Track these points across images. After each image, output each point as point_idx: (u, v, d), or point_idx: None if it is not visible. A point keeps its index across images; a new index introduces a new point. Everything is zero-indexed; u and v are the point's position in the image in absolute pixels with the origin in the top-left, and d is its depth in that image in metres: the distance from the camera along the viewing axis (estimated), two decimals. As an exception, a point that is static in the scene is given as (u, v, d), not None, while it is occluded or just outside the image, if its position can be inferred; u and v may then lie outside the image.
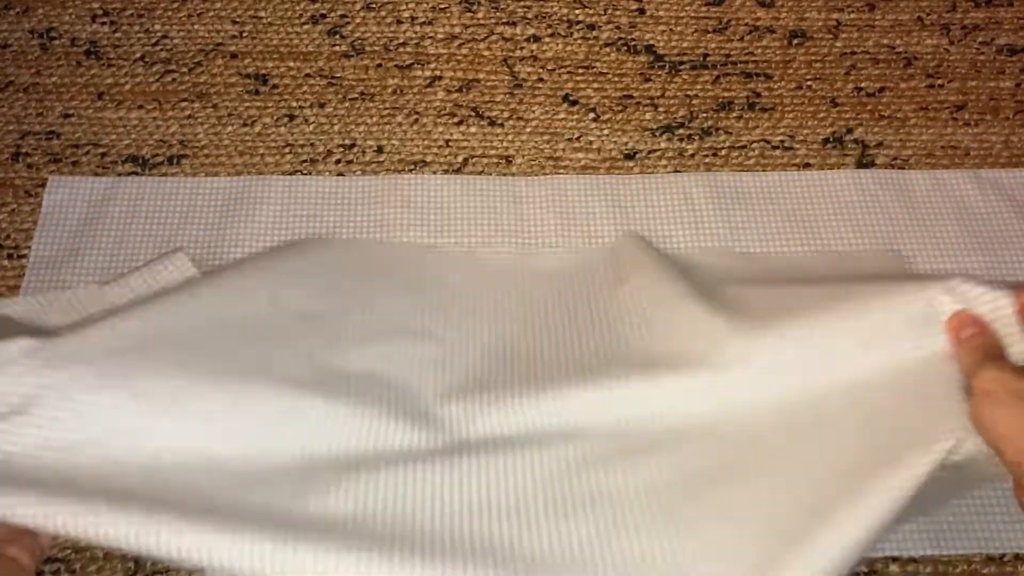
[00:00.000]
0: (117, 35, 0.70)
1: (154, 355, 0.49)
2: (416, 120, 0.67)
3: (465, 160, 0.65)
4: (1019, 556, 0.53)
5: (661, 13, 0.72)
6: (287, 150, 0.65)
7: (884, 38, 0.71)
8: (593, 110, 0.67)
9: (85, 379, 0.46)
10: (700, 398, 0.49)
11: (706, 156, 0.66)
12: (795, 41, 0.71)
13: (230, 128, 0.66)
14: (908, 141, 0.67)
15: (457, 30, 0.71)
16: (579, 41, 0.70)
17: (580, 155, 0.66)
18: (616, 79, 0.69)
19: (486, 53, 0.70)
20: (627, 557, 0.43)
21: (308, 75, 0.68)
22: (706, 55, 0.70)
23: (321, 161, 0.65)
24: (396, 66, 0.69)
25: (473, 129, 0.66)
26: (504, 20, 0.71)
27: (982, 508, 0.54)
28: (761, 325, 0.50)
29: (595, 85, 0.68)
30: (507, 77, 0.69)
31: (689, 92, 0.68)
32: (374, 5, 0.72)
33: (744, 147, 0.66)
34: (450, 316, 0.57)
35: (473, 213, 0.63)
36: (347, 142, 0.66)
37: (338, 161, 0.65)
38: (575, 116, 0.67)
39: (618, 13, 0.72)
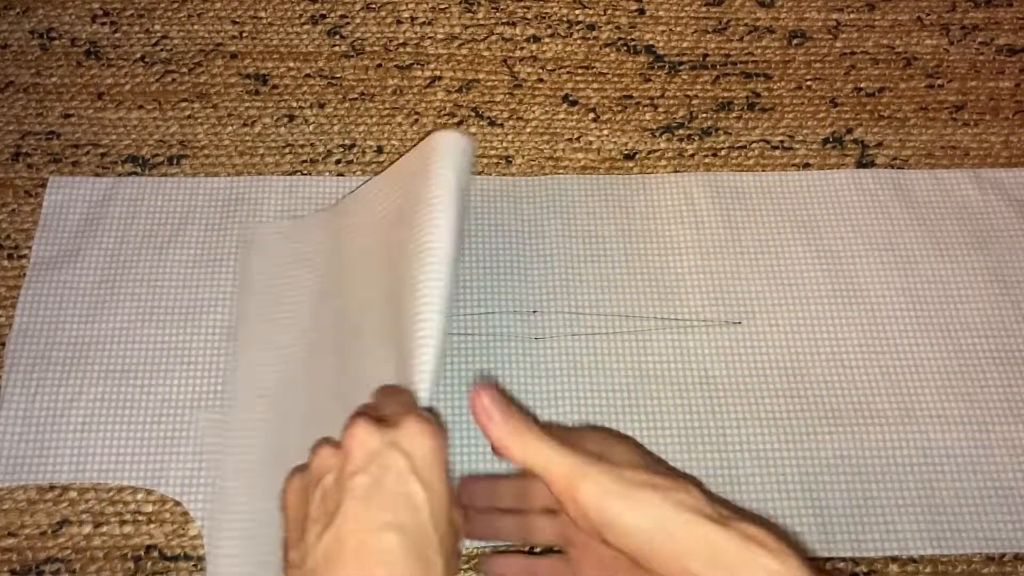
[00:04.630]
0: (117, 35, 0.70)
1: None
2: (416, 120, 0.67)
3: (465, 160, 0.65)
4: (1019, 556, 0.53)
5: (661, 13, 0.72)
6: (287, 150, 0.65)
7: (884, 38, 0.71)
8: (593, 110, 0.67)
9: None
10: None
11: (706, 156, 0.66)
12: (795, 41, 0.71)
13: (230, 128, 0.66)
14: (908, 141, 0.67)
15: (457, 30, 0.71)
16: (579, 41, 0.70)
17: (580, 155, 0.66)
18: (616, 79, 0.69)
19: (486, 53, 0.70)
20: None
21: (308, 75, 0.68)
22: (706, 55, 0.70)
23: (321, 161, 0.65)
24: (396, 66, 0.69)
25: (473, 129, 0.67)
26: (504, 20, 0.71)
27: (982, 508, 0.54)
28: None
29: (595, 85, 0.68)
30: (507, 77, 0.69)
31: (689, 92, 0.68)
32: (374, 5, 0.72)
33: (744, 147, 0.66)
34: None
35: (473, 213, 0.63)
36: (347, 142, 0.66)
37: (338, 161, 0.65)
38: (575, 116, 0.67)
39: (618, 13, 0.72)
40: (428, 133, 0.66)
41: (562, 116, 0.67)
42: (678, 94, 0.68)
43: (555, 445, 0.39)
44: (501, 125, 0.67)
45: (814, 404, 0.57)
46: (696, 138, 0.66)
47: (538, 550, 0.51)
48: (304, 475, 0.39)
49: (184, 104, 0.67)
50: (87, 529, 0.53)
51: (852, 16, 0.72)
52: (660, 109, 0.68)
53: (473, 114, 0.67)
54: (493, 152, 0.66)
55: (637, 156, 0.66)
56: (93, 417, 0.55)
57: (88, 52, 0.69)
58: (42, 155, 0.65)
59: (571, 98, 0.68)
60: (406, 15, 0.71)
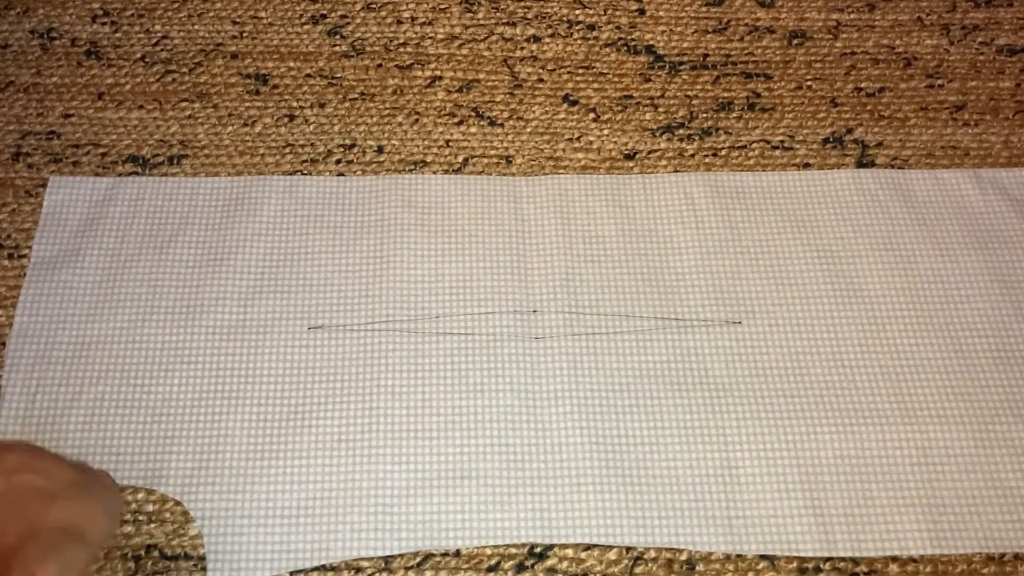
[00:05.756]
0: (117, 35, 0.70)
1: None
2: (416, 120, 0.67)
3: (465, 160, 0.65)
4: (1019, 556, 0.53)
5: (661, 13, 0.72)
6: (287, 150, 0.65)
7: (884, 38, 0.71)
8: (593, 110, 0.67)
9: None
10: None
11: (706, 156, 0.66)
12: (795, 41, 0.71)
13: (230, 128, 0.66)
14: (908, 141, 0.67)
15: (457, 30, 0.71)
16: (579, 41, 0.70)
17: (580, 155, 0.66)
18: (616, 79, 0.69)
19: (486, 53, 0.70)
20: None
21: (308, 75, 0.68)
22: (706, 55, 0.70)
23: (321, 161, 0.65)
24: (396, 66, 0.69)
25: (473, 129, 0.67)
26: (504, 20, 0.71)
27: (982, 508, 0.54)
28: None
29: (595, 85, 0.68)
30: (507, 77, 0.69)
31: (689, 92, 0.68)
32: (374, 5, 0.72)
33: (744, 147, 0.66)
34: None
35: (473, 213, 0.63)
36: (347, 142, 0.66)
37: (338, 161, 0.65)
38: (575, 116, 0.67)
39: (618, 13, 0.72)
40: (428, 133, 0.66)
41: (562, 116, 0.67)
42: (678, 94, 0.68)
43: None
44: (501, 125, 0.67)
45: (814, 404, 0.57)
46: (696, 138, 0.66)
47: None
48: None
49: (184, 104, 0.67)
50: (87, 529, 0.53)
51: (852, 16, 0.72)
52: (660, 109, 0.68)
53: (473, 114, 0.67)
54: (493, 152, 0.66)
55: (637, 156, 0.66)
56: (93, 417, 0.55)
57: (88, 52, 0.69)
58: (42, 155, 0.65)
59: (571, 98, 0.68)
60: (406, 15, 0.71)
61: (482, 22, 0.71)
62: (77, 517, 0.41)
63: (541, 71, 0.69)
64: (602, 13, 0.72)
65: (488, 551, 0.52)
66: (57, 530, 0.40)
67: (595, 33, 0.71)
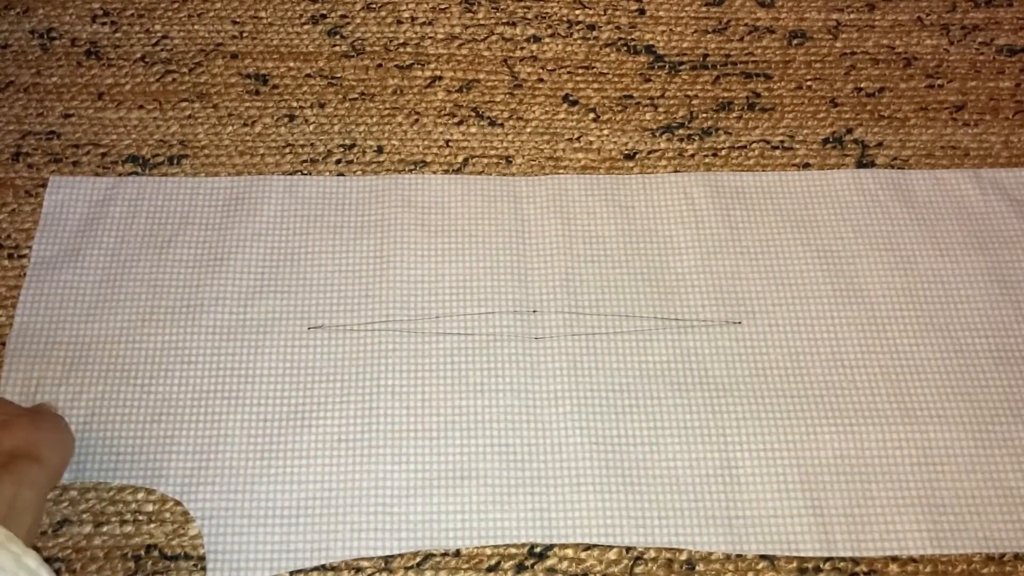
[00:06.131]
0: (117, 35, 0.70)
1: None
2: (416, 120, 0.67)
3: (465, 160, 0.65)
4: (1019, 556, 0.53)
5: (661, 13, 0.72)
6: (287, 150, 0.65)
7: (884, 38, 0.71)
8: (593, 110, 0.67)
9: None
10: None
11: (706, 156, 0.66)
12: (795, 41, 0.71)
13: (230, 128, 0.66)
14: (908, 141, 0.67)
15: (457, 30, 0.71)
16: (579, 41, 0.70)
17: (580, 155, 0.66)
18: (616, 79, 0.69)
19: (486, 53, 0.70)
20: None
21: (308, 75, 0.68)
22: (706, 55, 0.70)
23: (321, 161, 0.65)
24: (396, 66, 0.69)
25: (473, 129, 0.67)
26: (504, 20, 0.71)
27: (982, 508, 0.54)
28: None
29: (595, 85, 0.68)
30: (507, 77, 0.69)
31: (689, 92, 0.68)
32: (374, 5, 0.72)
33: (744, 147, 0.66)
34: None
35: (473, 213, 0.63)
36: (347, 142, 0.66)
37: (338, 161, 0.65)
38: (575, 116, 0.67)
39: (618, 13, 0.72)
40: (428, 133, 0.66)
41: (562, 116, 0.67)
42: (678, 94, 0.68)
43: None
44: (501, 125, 0.67)
45: (814, 404, 0.57)
46: (696, 138, 0.66)
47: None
48: None
49: (184, 104, 0.67)
50: (87, 529, 0.53)
51: (852, 16, 0.72)
52: (660, 109, 0.68)
53: (473, 114, 0.67)
54: (493, 152, 0.66)
55: (637, 156, 0.66)
56: (93, 417, 0.55)
57: (88, 52, 0.69)
58: (42, 155, 0.65)
59: (571, 98, 0.68)
60: (406, 15, 0.71)
61: (482, 22, 0.71)
62: (29, 441, 0.47)
63: (541, 71, 0.69)
64: (602, 13, 0.72)
65: (488, 551, 0.52)
66: (10, 453, 0.45)
67: (595, 33, 0.71)
